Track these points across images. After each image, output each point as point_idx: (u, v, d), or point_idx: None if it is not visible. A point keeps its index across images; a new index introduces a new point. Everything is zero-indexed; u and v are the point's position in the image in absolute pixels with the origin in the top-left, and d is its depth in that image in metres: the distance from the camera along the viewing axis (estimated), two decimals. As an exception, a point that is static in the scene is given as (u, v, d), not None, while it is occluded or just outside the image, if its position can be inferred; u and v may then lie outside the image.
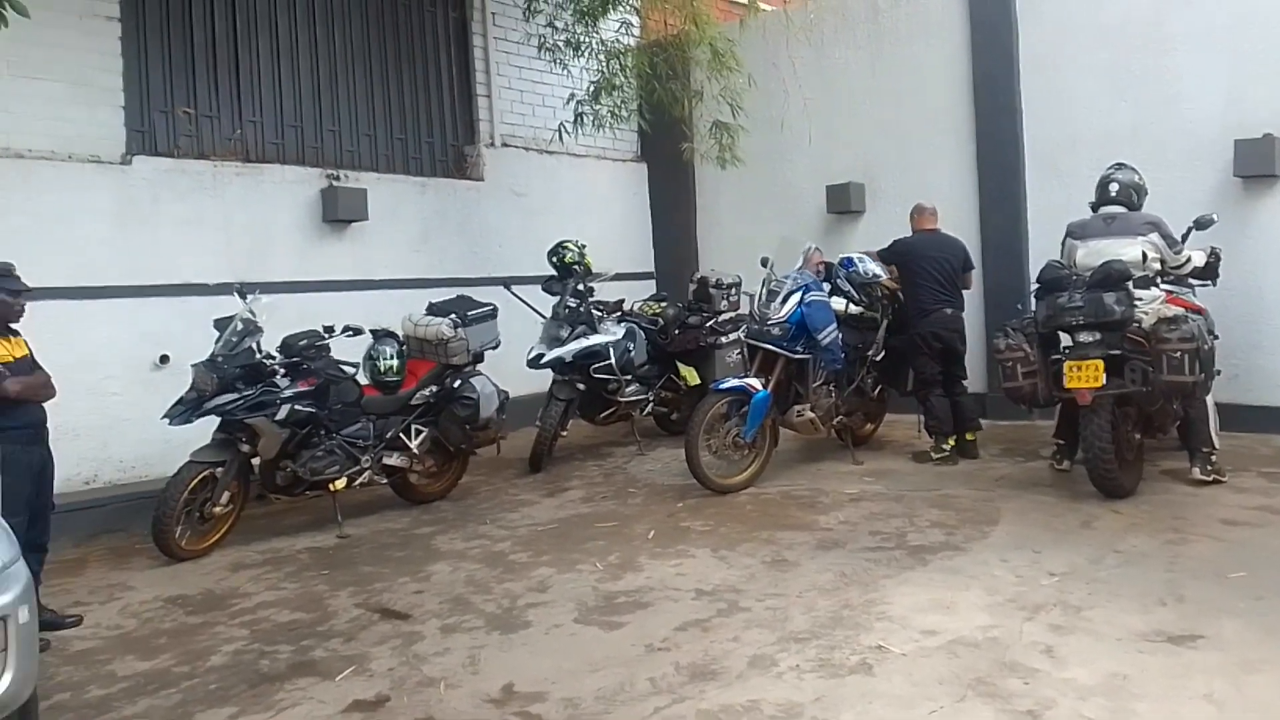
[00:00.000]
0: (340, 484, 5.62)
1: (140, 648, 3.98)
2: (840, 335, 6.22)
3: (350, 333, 5.63)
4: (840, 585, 4.17)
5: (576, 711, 3.12)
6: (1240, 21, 6.68)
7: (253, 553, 5.28)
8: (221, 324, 5.47)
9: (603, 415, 7.39)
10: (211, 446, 5.31)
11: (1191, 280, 5.86)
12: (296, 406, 5.35)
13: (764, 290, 6.22)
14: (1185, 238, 5.82)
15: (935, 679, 3.17)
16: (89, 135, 6.22)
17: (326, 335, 5.61)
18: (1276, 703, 2.89)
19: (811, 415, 6.20)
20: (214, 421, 5.31)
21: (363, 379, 5.89)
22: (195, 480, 5.16)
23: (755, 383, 5.95)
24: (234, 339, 5.35)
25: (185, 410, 5.21)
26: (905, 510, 5.33)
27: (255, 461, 5.44)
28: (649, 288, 9.42)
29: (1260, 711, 2.85)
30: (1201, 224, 5.78)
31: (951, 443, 6.45)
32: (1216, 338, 5.51)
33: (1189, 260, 5.66)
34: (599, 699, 3.20)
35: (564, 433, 7.10)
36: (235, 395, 5.23)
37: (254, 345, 5.39)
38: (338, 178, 7.37)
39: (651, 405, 7.63)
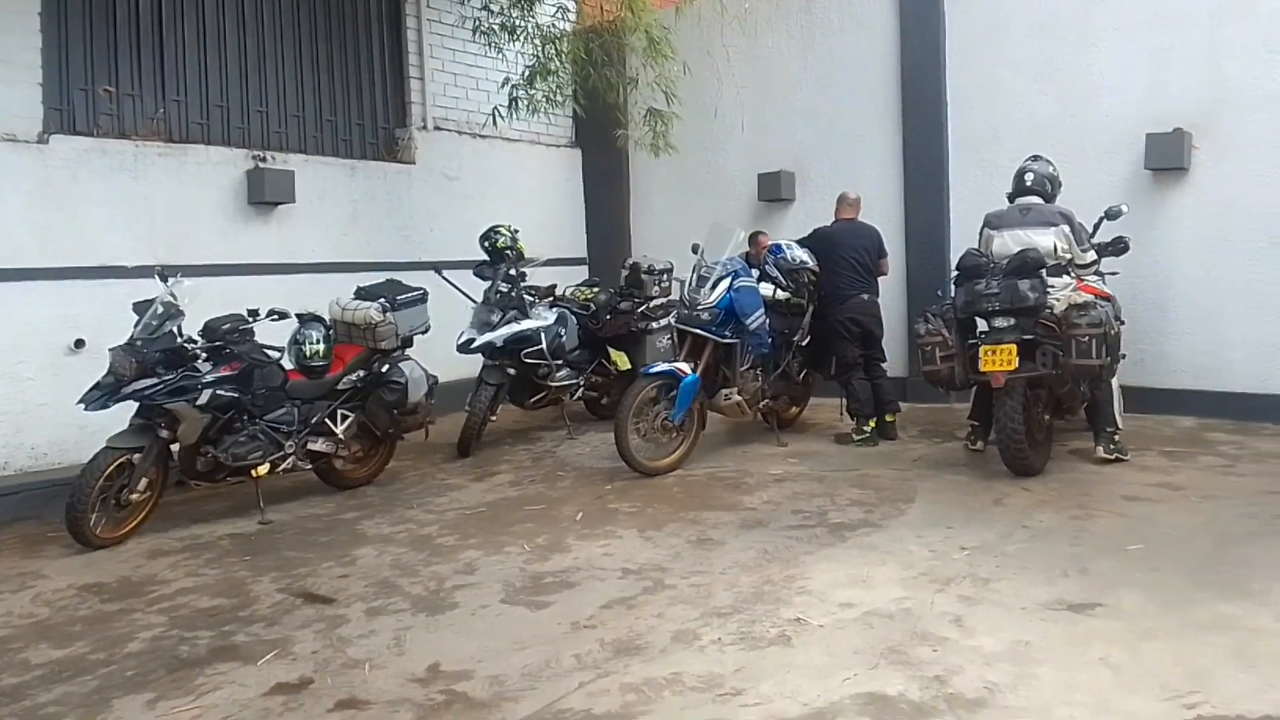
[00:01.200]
0: (263, 470, 5.54)
1: (55, 635, 3.89)
2: (768, 321, 6.34)
3: (275, 316, 5.54)
4: (762, 562, 4.28)
5: (502, 689, 3.16)
6: (1158, 18, 6.94)
7: (171, 540, 5.18)
8: (141, 307, 5.34)
9: (533, 400, 7.40)
10: (129, 432, 5.19)
11: (1100, 269, 6.10)
12: (218, 391, 5.25)
13: (694, 276, 6.30)
14: (1097, 227, 6.07)
15: (850, 649, 3.29)
16: (5, 113, 5.99)
17: (251, 319, 5.52)
18: (1168, 667, 3.06)
19: (739, 399, 6.31)
20: (132, 407, 5.20)
21: (288, 363, 5.80)
22: (111, 467, 5.04)
23: (684, 367, 6.03)
24: (154, 322, 5.23)
25: (102, 395, 5.08)
26: (827, 490, 5.46)
27: (175, 447, 5.35)
28: (582, 273, 9.45)
29: (1153, 675, 3.00)
30: (1111, 214, 6.03)
31: (872, 425, 6.62)
32: (1123, 323, 5.77)
33: (1093, 260, 5.88)
34: (525, 676, 3.24)
35: (493, 417, 7.09)
36: (155, 380, 5.11)
37: (175, 329, 5.27)
38: (264, 159, 7.24)
39: (582, 390, 7.66)
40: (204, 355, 5.33)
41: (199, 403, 5.20)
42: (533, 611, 3.85)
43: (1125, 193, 6.91)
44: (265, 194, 7.11)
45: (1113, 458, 5.67)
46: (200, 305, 5.54)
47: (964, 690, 2.94)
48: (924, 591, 3.79)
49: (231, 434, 5.42)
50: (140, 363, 5.09)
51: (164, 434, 5.22)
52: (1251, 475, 5.37)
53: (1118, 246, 6.05)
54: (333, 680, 3.30)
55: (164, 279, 5.46)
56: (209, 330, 5.41)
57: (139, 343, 5.16)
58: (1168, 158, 6.82)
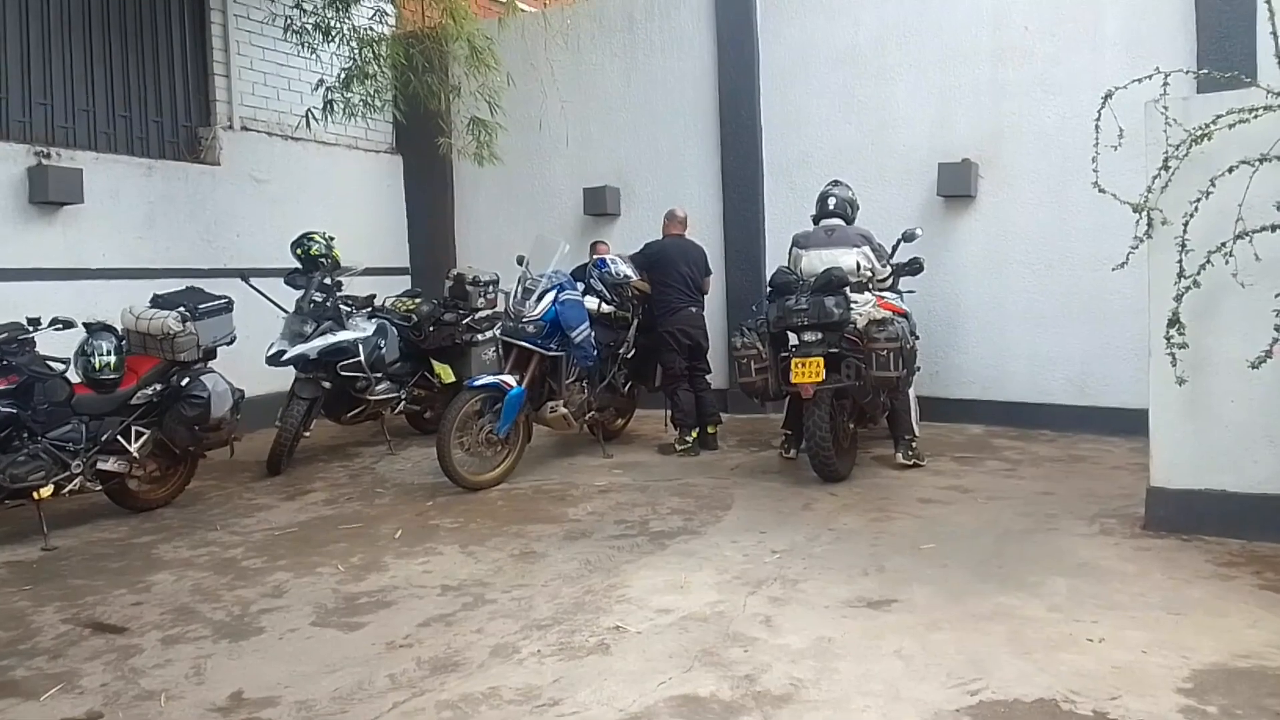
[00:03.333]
0: (46, 492, 5.08)
1: None
2: (593, 333, 6.40)
3: (60, 325, 5.10)
4: (585, 573, 4.31)
5: (310, 714, 3.03)
6: (946, 58, 7.51)
7: (-63, 571, 4.68)
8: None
9: (350, 414, 7.15)
10: (-114, 452, 4.66)
11: (899, 286, 6.54)
12: (-8, 406, 4.79)
13: (519, 288, 6.29)
14: (895, 249, 6.51)
15: (666, 653, 3.36)
16: None
17: (31, 328, 5.06)
18: (953, 655, 3.30)
19: (565, 411, 6.34)
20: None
21: (75, 376, 5.36)
22: None
23: (509, 379, 6.00)
24: (-86, 331, 4.72)
25: None
26: (649, 499, 5.57)
27: (-60, 469, 4.84)
28: (404, 283, 9.23)
29: (940, 664, 3.23)
30: (908, 237, 6.49)
31: (694, 435, 6.81)
32: (918, 338, 6.21)
33: (890, 274, 6.32)
34: (335, 699, 3.12)
35: (307, 433, 6.80)
36: (-85, 394, 4.62)
37: (-61, 338, 4.78)
38: (48, 155, 6.67)
39: (404, 404, 7.47)
40: (-25, 368, 4.85)
41: (-32, 420, 4.72)
42: (346, 633, 3.72)
43: (920, 217, 7.44)
44: (49, 193, 6.55)
45: (910, 463, 6.08)
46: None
47: (771, 687, 3.07)
48: (737, 594, 3.93)
49: (9, 453, 4.94)
50: (-102, 376, 4.58)
51: (-74, 454, 4.71)
52: (1030, 478, 5.89)
53: (913, 267, 6.52)
54: (124, 714, 3.07)
55: (-74, 283, 4.93)
56: (-17, 340, 4.93)
57: (-102, 353, 4.64)
58: (957, 185, 7.40)
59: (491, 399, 5.96)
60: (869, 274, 6.08)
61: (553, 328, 6.13)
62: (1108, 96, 4.46)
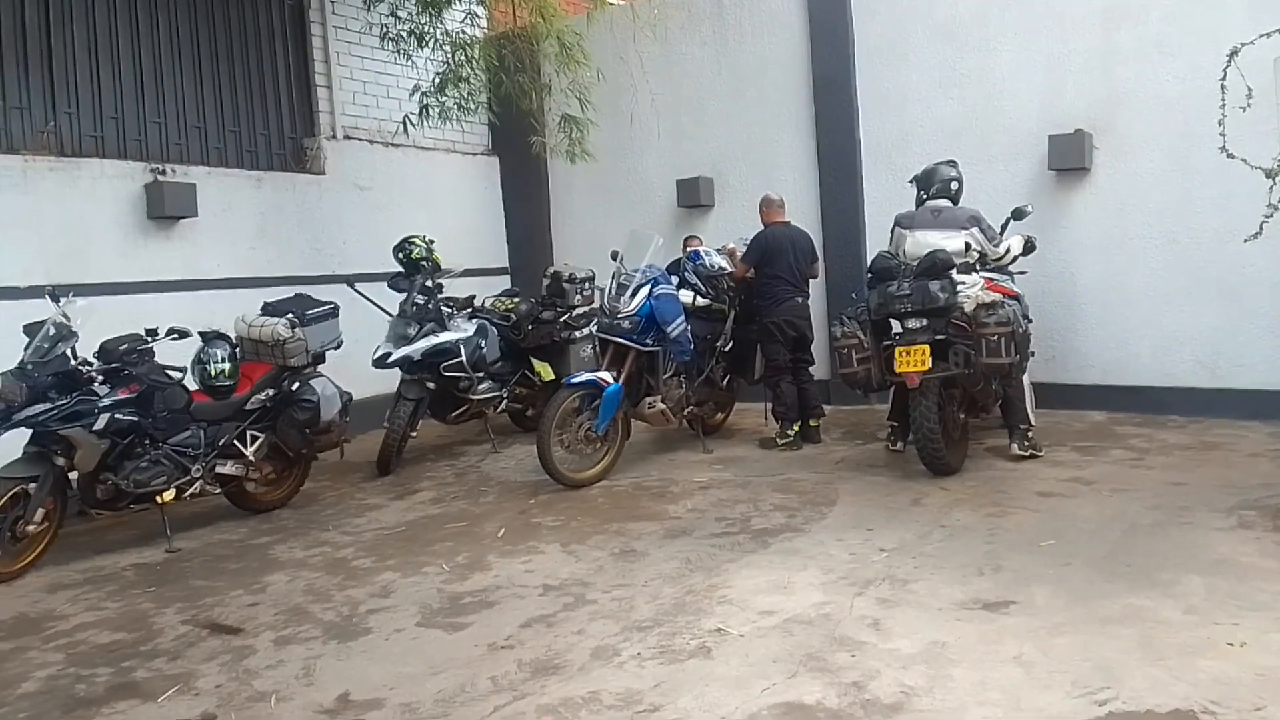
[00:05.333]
0: (168, 496, 5.31)
1: (-61, 681, 3.66)
2: (689, 327, 6.32)
3: (175, 335, 5.31)
4: (685, 572, 4.24)
5: (414, 716, 3.06)
6: (1057, 23, 7.13)
7: (72, 572, 4.93)
8: (32, 330, 5.08)
9: (454, 414, 7.25)
10: (23, 461, 4.94)
11: (1010, 267, 6.23)
12: (116, 415, 5.02)
13: (613, 284, 6.26)
14: (1004, 228, 6.20)
15: (770, 658, 3.26)
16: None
17: (149, 339, 5.28)
18: (1078, 662, 3.10)
19: (663, 406, 6.29)
20: (26, 434, 4.94)
21: (192, 384, 5.58)
22: (4, 498, 4.78)
23: (606, 376, 5.97)
24: (45, 345, 4.97)
25: (-8, 423, 4.82)
26: (751, 496, 5.46)
27: (74, 475, 5.10)
28: (503, 283, 9.31)
29: (1064, 671, 3.04)
30: (1019, 214, 6.17)
31: (796, 428, 6.65)
32: (1030, 321, 5.91)
33: (1008, 251, 6.02)
34: (438, 702, 3.14)
35: (414, 433, 6.93)
36: (48, 405, 4.87)
37: (68, 351, 5.03)
38: (163, 172, 6.96)
39: (506, 402, 7.54)
40: (100, 378, 5.09)
41: (95, 428, 4.96)
42: (449, 634, 3.74)
43: (1030, 193, 7.09)
44: (165, 208, 6.83)
45: (1027, 454, 5.79)
46: (100, 325, 5.31)
47: (880, 695, 2.94)
48: (843, 595, 3.79)
49: (132, 460, 5.19)
50: (31, 387, 4.84)
51: (60, 462, 4.98)
52: (1159, 468, 5.53)
53: (1025, 246, 6.19)
54: (237, 715, 3.16)
55: (55, 299, 5.19)
56: (105, 352, 5.16)
57: (29, 366, 4.91)
58: (1070, 158, 7.01)
59: (589, 396, 5.95)
60: (977, 255, 5.82)
61: (648, 323, 6.08)
62: (1233, 54, 4.14)
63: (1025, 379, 5.95)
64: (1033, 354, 6.00)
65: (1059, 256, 7.13)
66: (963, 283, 5.59)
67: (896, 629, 3.44)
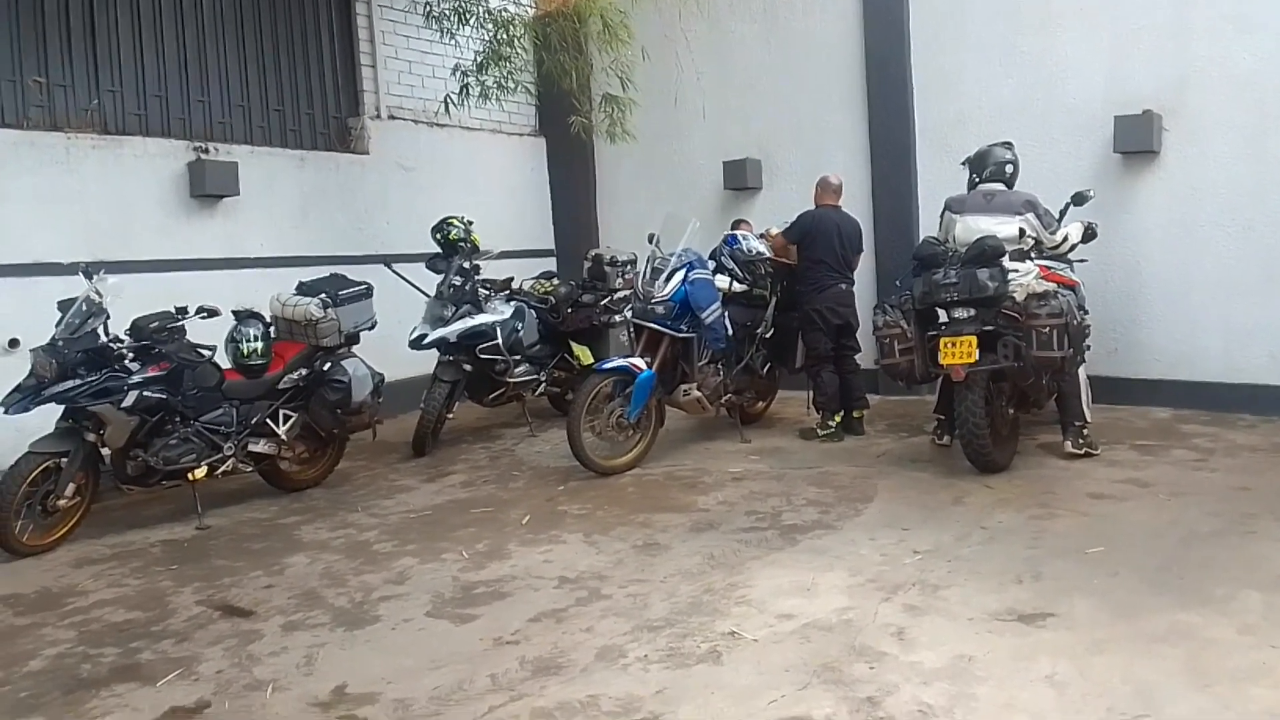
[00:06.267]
0: (200, 473, 5.31)
1: (-46, 654, 3.68)
2: (725, 313, 6.13)
3: (204, 314, 5.28)
4: (706, 569, 4.08)
5: (406, 714, 2.95)
6: (1121, 1, 6.74)
7: (102, 546, 4.96)
8: (65, 306, 5.12)
9: (491, 397, 7.18)
10: (54, 436, 4.97)
11: (1069, 255, 5.90)
12: (145, 393, 5.02)
13: (648, 268, 6.09)
14: (1064, 213, 5.87)
15: (782, 666, 3.09)
16: (-74, 105, 5.75)
17: (180, 316, 5.28)
18: (1118, 685, 2.87)
19: (698, 394, 6.11)
20: (60, 410, 4.98)
21: (225, 362, 5.57)
22: (35, 472, 4.82)
23: (639, 362, 5.82)
24: (76, 321, 4.99)
25: (23, 398, 4.85)
26: (784, 489, 5.27)
27: (106, 451, 5.13)
28: (549, 265, 9.22)
29: (1100, 695, 2.81)
30: (1079, 199, 5.83)
31: (838, 419, 6.42)
32: (1086, 312, 5.57)
33: (1066, 239, 5.69)
34: (433, 699, 3.03)
35: (449, 415, 6.87)
36: (77, 381, 4.88)
37: (98, 328, 5.04)
38: (206, 150, 6.97)
39: (544, 386, 7.44)
40: (130, 355, 5.10)
41: (125, 404, 4.97)
42: (456, 626, 3.64)
43: (1092, 177, 6.72)
44: (207, 187, 6.84)
45: (1081, 452, 5.49)
46: (142, 303, 5.34)
47: (896, 713, 2.74)
48: (869, 600, 3.59)
49: (162, 437, 5.19)
50: (62, 363, 4.87)
51: (91, 437, 5.00)
52: (1224, 470, 5.20)
53: (1086, 233, 5.86)
54: (230, 704, 3.09)
55: (89, 276, 5.20)
56: (136, 329, 5.18)
57: (60, 343, 4.93)
58: (1138, 140, 6.63)
59: (622, 382, 5.80)
60: (1032, 242, 5.51)
61: (683, 308, 5.89)
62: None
63: (1082, 372, 5.64)
64: (1089, 347, 5.68)
65: (1123, 244, 6.76)
66: (1015, 270, 5.28)
67: (922, 639, 3.23)
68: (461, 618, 3.72)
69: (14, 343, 5.92)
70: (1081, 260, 6.07)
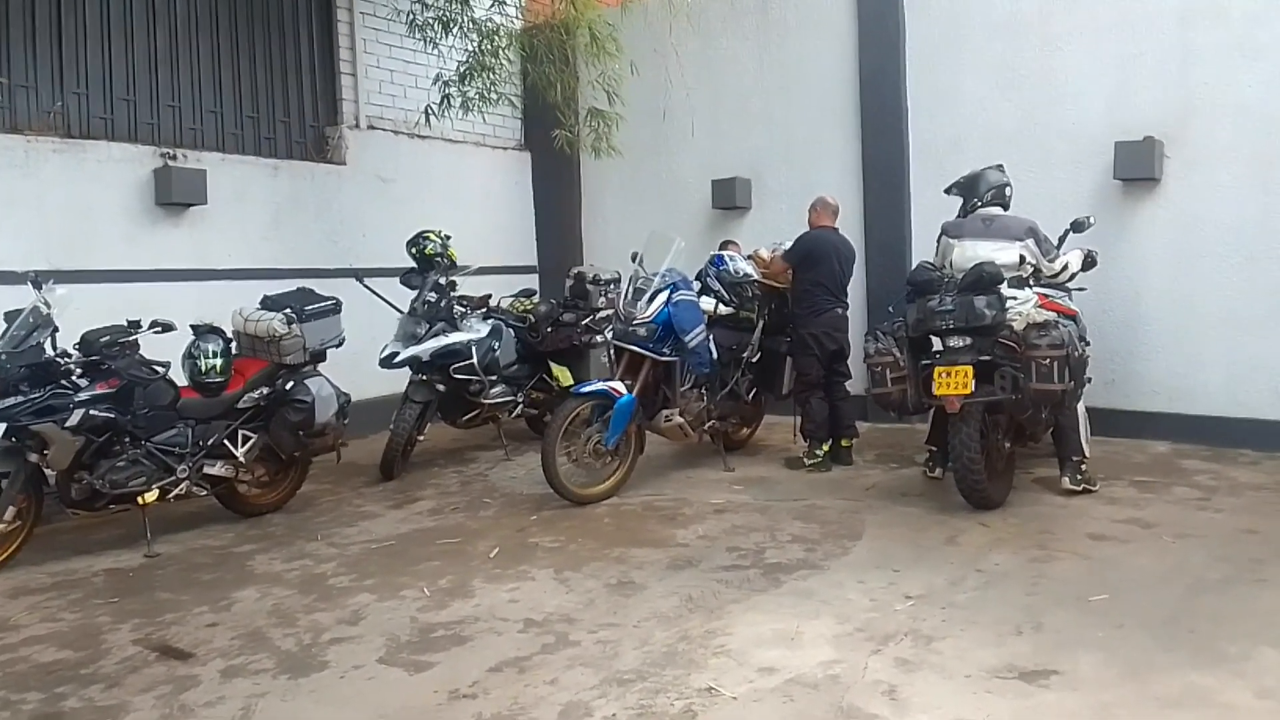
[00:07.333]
0: (150, 497, 5.00)
1: None
2: (710, 337, 5.89)
3: (159, 328, 4.98)
4: (683, 612, 3.80)
5: (345, 778, 2.67)
6: (1124, 22, 6.57)
7: (43, 575, 4.65)
8: (11, 317, 4.82)
9: (465, 418, 6.89)
10: (-7, 456, 4.67)
11: (1068, 283, 5.68)
12: (92, 411, 4.72)
13: (630, 288, 5.84)
14: (1062, 240, 5.66)
15: (763, 730, 2.82)
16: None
17: (133, 330, 4.98)
18: (1129, 751, 2.61)
19: (680, 420, 5.86)
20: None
21: (182, 379, 5.28)
22: (-29, 494, 4.52)
23: (619, 386, 5.56)
24: (20, 333, 4.69)
25: (-41, 414, 4.55)
26: (768, 523, 5.01)
27: (51, 472, 4.82)
28: (532, 282, 8.98)
29: (1110, 763, 2.55)
30: (1078, 226, 5.63)
31: (825, 449, 6.17)
32: (1088, 344, 5.34)
33: (1066, 266, 5.47)
34: (376, 761, 2.75)
35: (421, 437, 6.59)
36: (20, 398, 4.59)
37: (45, 342, 4.75)
38: (174, 157, 6.70)
39: (521, 408, 7.16)
40: (79, 371, 4.81)
41: (69, 423, 4.67)
42: (410, 675, 3.35)
43: (1092, 204, 6.53)
44: (174, 194, 6.57)
45: (1079, 489, 5.25)
46: (103, 315, 5.08)
47: (888, 790, 2.48)
48: (858, 653, 3.32)
49: (110, 458, 4.89)
50: (3, 378, 4.58)
51: (34, 458, 4.69)
52: (1228, 510, 4.96)
53: (1085, 261, 5.64)
54: (152, 765, 2.80)
55: (37, 285, 4.91)
56: (85, 343, 4.88)
57: (2, 356, 4.63)
58: (1138, 167, 6.43)
59: (601, 407, 5.53)
60: (1031, 268, 5.29)
61: (665, 330, 5.64)
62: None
63: (1080, 406, 5.40)
64: (1089, 380, 5.45)
65: (1123, 273, 6.55)
66: (1013, 298, 5.05)
67: (915, 700, 2.96)
68: (416, 665, 3.43)
69: (-39, 355, 5.61)
70: (1080, 289, 5.84)
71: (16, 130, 6.10)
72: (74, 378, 4.80)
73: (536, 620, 3.79)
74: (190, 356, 5.29)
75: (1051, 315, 5.02)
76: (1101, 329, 6.42)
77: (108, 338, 4.88)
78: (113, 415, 4.82)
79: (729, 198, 8.18)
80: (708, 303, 6.11)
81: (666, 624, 3.68)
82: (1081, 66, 6.74)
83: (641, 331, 5.63)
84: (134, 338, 4.97)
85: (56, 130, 6.28)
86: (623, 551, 4.65)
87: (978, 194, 5.53)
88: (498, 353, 6.78)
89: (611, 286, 7.44)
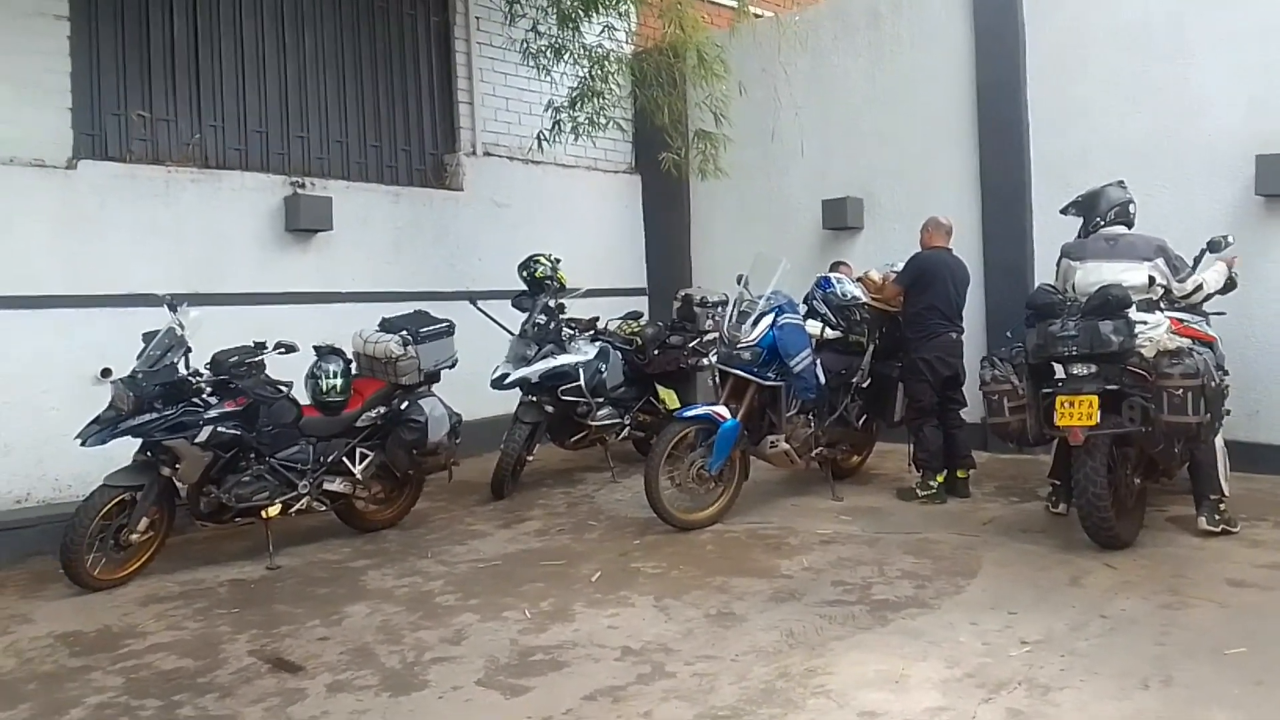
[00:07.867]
0: (273, 511, 5.24)
1: (4, 694, 3.60)
2: (818, 361, 5.76)
3: (283, 349, 5.23)
4: (784, 648, 3.70)
5: (438, 803, 2.69)
6: (1265, 29, 6.16)
7: (172, 583, 4.91)
8: (149, 337, 5.14)
9: (573, 439, 6.96)
10: (129, 470, 4.96)
11: (1205, 306, 5.32)
12: (219, 428, 4.97)
13: (734, 311, 5.78)
14: (1198, 260, 5.31)
15: (862, 778, 2.71)
16: (33, 139, 5.91)
17: (259, 351, 5.23)
18: (1268, 824, 2.39)
19: (786, 446, 5.75)
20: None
21: (304, 398, 5.51)
22: (109, 505, 4.80)
23: (723, 410, 5.50)
24: (156, 353, 5.00)
25: (100, 430, 4.85)
26: (877, 556, 4.84)
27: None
28: (641, 304, 9.03)
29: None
30: (1214, 246, 5.27)
31: (940, 479, 5.94)
32: (1226, 373, 4.97)
33: (1199, 288, 5.13)
34: (469, 787, 2.77)
35: (530, 457, 6.69)
36: (154, 415, 4.87)
37: (179, 361, 5.04)
38: (302, 185, 7.03)
39: (628, 429, 7.19)
40: (208, 389, 5.08)
41: (199, 439, 4.93)
42: (506, 699, 3.37)
43: (1230, 221, 6.11)
44: (302, 221, 6.90)
45: (1219, 530, 4.88)
46: (235, 336, 5.36)
47: None
48: (967, 700, 3.16)
49: (236, 473, 5.14)
50: (139, 396, 4.86)
51: (166, 472, 4.97)
52: (1387, 556, 4.54)
53: (1227, 283, 5.28)
54: (258, 778, 2.89)
55: (172, 308, 5.22)
56: (215, 364, 5.16)
57: (139, 375, 4.94)
58: (1283, 182, 6.00)
59: (705, 431, 5.49)
60: (1161, 291, 4.98)
61: (770, 354, 5.55)
62: None
63: (1219, 440, 5.02)
64: (1228, 412, 5.07)
65: (1266, 294, 6.11)
66: (1143, 323, 4.76)
67: (1027, 755, 2.80)
68: (513, 689, 3.44)
69: (107, 372, 6.00)
70: (1219, 313, 5.47)
71: (159, 161, 6.52)
72: (204, 396, 5.06)
73: (634, 649, 3.77)
74: (312, 376, 5.52)
75: (1185, 342, 4.70)
76: (1243, 356, 5.99)
77: (236, 358, 5.14)
78: (239, 432, 5.07)
79: (840, 218, 8.04)
80: (814, 326, 5.99)
81: (766, 659, 3.60)
82: (1217, 75, 6.35)
83: (746, 355, 5.56)
84: (260, 358, 5.22)
85: (194, 161, 6.69)
86: (724, 580, 4.58)
87: (1099, 212, 5.25)
88: (604, 375, 6.84)
89: (719, 309, 7.39)
